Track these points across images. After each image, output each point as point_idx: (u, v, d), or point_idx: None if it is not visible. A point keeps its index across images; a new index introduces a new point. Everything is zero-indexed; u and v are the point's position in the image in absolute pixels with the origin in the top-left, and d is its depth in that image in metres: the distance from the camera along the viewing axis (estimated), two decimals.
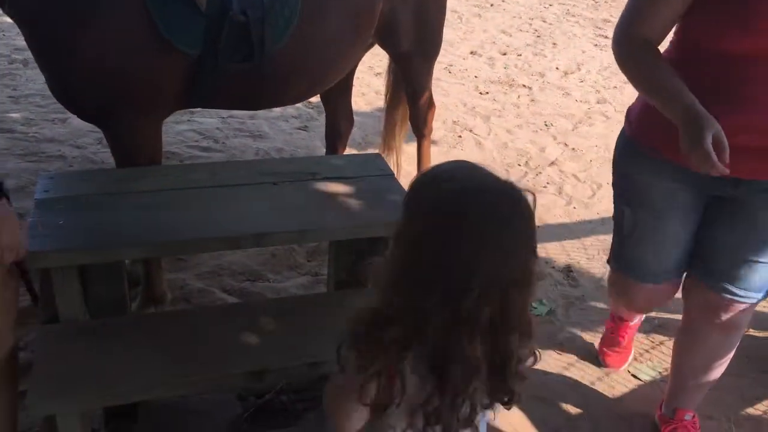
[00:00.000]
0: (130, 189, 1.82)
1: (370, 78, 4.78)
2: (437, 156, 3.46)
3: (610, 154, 2.00)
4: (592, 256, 2.97)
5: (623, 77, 1.59)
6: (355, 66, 3.03)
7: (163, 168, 2.13)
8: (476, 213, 0.95)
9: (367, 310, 1.01)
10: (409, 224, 1.01)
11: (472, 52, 5.53)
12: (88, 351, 1.53)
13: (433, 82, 3.11)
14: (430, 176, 1.03)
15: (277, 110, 4.23)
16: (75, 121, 3.67)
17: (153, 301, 2.39)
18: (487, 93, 4.77)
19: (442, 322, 0.95)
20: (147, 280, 2.36)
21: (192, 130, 3.99)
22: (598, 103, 4.74)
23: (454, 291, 0.94)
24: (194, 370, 1.49)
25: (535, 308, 2.56)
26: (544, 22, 6.54)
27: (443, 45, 3.02)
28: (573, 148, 4.02)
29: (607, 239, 2.52)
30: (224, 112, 4.16)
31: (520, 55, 5.55)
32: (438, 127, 3.81)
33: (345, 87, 3.05)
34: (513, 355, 1.00)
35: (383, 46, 2.81)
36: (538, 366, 2.36)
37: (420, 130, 3.19)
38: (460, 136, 4.06)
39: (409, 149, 3.38)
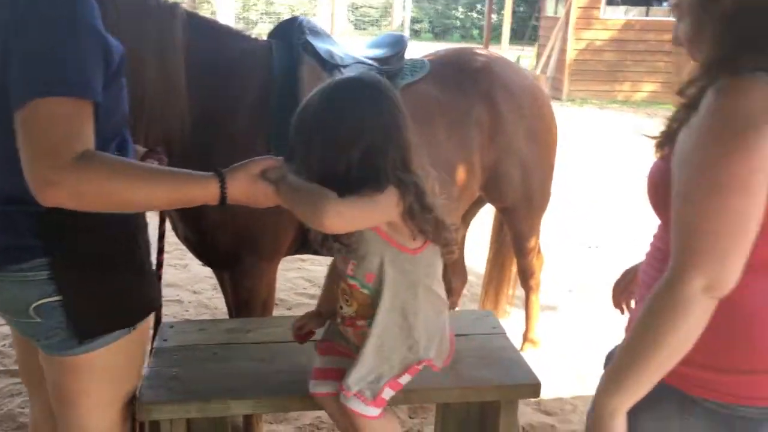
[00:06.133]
0: (241, 340, 1.85)
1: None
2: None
3: None
4: None
5: None
6: (467, 221, 3.06)
7: (274, 319, 2.17)
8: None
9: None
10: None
11: None
12: None
13: None
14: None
15: None
16: (194, 267, 3.88)
17: None
18: None
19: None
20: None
21: (301, 278, 4.11)
22: None
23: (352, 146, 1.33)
24: None
25: None
26: None
27: None
28: None
29: None
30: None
31: None
32: None
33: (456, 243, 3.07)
34: (423, 188, 1.36)
35: (489, 200, 2.84)
36: None
37: (526, 283, 3.12)
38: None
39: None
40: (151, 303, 1.51)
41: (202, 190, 1.33)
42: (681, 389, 1.20)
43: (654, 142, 1.27)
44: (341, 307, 1.52)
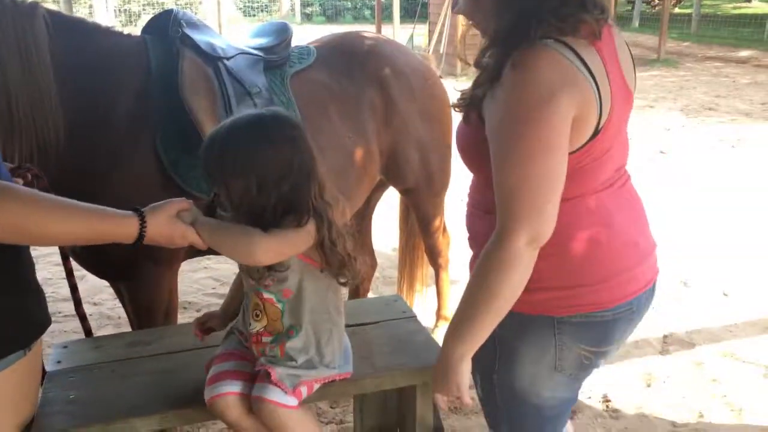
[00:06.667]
0: (143, 353, 1.76)
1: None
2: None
3: None
4: (630, 384, 2.82)
5: None
6: (372, 205, 3.04)
7: (176, 327, 2.08)
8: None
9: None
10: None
11: None
12: None
13: None
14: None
15: None
16: (92, 278, 3.67)
17: None
18: None
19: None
20: None
21: (209, 278, 3.99)
22: None
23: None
24: None
25: None
26: None
27: None
28: None
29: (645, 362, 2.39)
30: None
31: None
32: None
33: (363, 227, 3.04)
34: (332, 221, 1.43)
35: (392, 183, 2.83)
36: None
37: (435, 261, 3.15)
38: None
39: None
40: (43, 322, 1.43)
41: (118, 229, 1.31)
42: (549, 314, 1.35)
43: (458, 108, 1.40)
44: (249, 324, 1.52)
